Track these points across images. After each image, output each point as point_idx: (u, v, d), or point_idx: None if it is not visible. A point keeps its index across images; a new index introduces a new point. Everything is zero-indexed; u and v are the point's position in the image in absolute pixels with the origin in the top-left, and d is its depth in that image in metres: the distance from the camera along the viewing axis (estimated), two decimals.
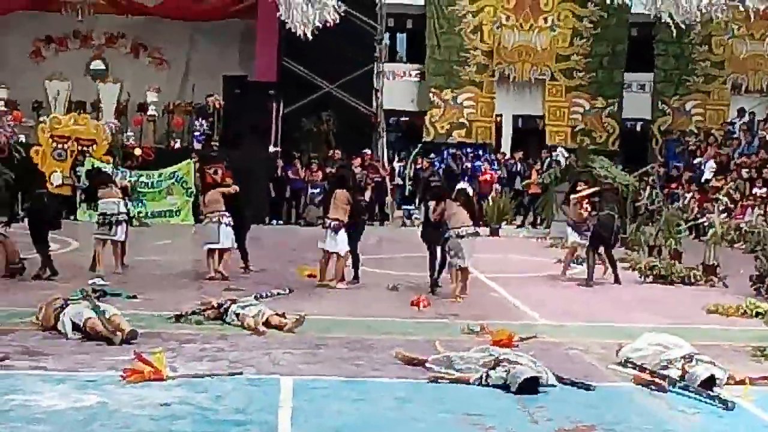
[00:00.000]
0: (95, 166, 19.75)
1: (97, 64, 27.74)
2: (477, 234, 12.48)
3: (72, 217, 21.59)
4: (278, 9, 15.27)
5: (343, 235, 12.40)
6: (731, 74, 29.29)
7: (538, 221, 23.64)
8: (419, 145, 26.64)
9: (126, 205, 13.95)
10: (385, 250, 15.50)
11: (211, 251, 13.26)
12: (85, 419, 6.30)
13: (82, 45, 27.84)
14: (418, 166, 25.66)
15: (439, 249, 12.41)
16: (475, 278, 13.40)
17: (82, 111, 25.22)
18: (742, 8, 15.60)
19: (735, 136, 26.96)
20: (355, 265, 13.01)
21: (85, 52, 27.86)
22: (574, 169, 20.18)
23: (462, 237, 12.03)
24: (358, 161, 23.55)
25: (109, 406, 6.60)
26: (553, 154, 25.90)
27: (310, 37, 15.49)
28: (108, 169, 21.02)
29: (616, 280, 13.91)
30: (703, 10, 16.40)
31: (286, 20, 15.48)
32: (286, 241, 18.98)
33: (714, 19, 17.80)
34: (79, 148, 22.91)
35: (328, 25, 15.38)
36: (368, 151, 24.96)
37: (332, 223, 12.43)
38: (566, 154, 24.56)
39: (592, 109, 29.25)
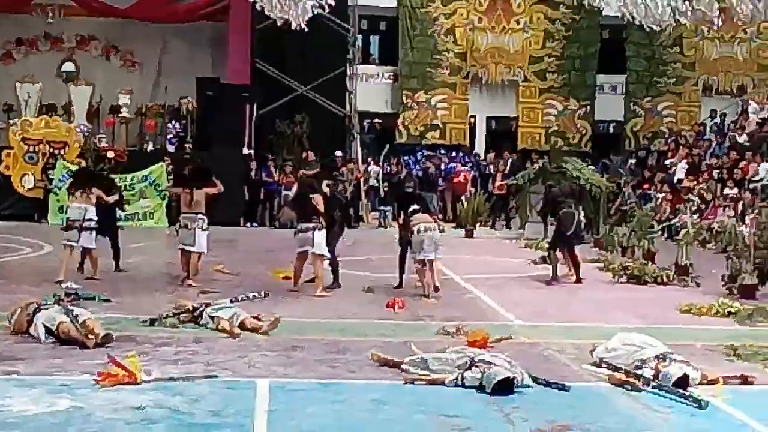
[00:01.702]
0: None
1: (69, 67, 27.51)
2: (438, 230, 12.50)
3: (43, 221, 21.44)
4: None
5: (322, 236, 12.36)
6: (702, 75, 29.59)
7: (510, 222, 23.73)
8: (387, 146, 26.64)
9: (96, 211, 13.26)
10: (360, 251, 15.50)
11: (184, 254, 13.14)
12: (59, 424, 6.25)
13: (53, 47, 27.60)
14: (387, 169, 25.74)
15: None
16: (449, 279, 13.45)
17: (53, 113, 25.04)
18: (708, 14, 15.77)
19: (706, 137, 27.21)
20: (335, 270, 13.00)
21: (57, 55, 27.63)
22: (548, 171, 20.32)
23: (421, 232, 12.16)
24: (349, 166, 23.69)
25: (83, 410, 6.55)
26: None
27: (305, 28, 15.48)
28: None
29: (577, 280, 13.95)
30: (668, 19, 16.60)
31: (269, 12, 15.47)
32: (261, 244, 18.92)
33: (681, 23, 18.00)
34: (51, 150, 22.75)
35: (315, 12, 15.42)
36: (339, 154, 24.94)
37: (315, 225, 12.31)
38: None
39: (565, 111, 29.44)
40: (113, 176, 20.97)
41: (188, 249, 13.02)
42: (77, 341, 8.52)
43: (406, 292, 12.36)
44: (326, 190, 12.90)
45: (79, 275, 12.97)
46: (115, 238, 14.10)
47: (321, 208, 12.41)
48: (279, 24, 16.61)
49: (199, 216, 13.07)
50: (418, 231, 12.22)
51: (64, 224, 13.33)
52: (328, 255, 12.53)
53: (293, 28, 16.65)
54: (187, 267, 13.03)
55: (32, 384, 7.18)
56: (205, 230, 13.11)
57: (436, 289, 12.15)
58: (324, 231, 12.36)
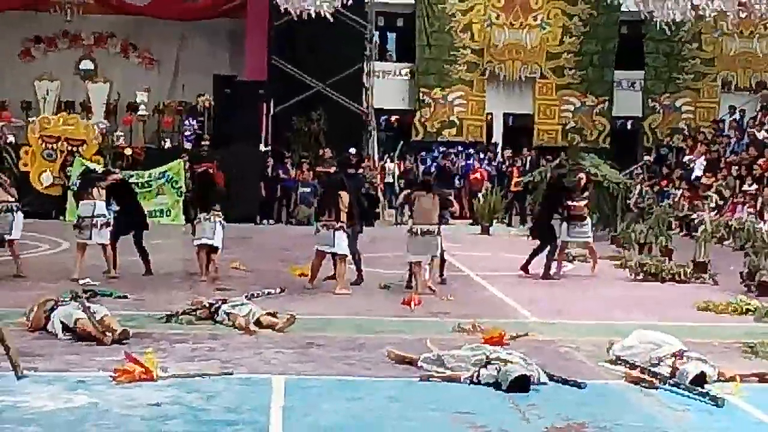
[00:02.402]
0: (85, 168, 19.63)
1: (87, 64, 27.66)
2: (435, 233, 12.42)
3: (62, 218, 21.54)
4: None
5: (344, 237, 12.34)
6: (721, 72, 29.40)
7: (526, 219, 23.67)
8: (400, 144, 26.59)
9: (107, 206, 13.33)
10: (376, 249, 15.49)
11: (201, 249, 13.18)
12: (76, 420, 6.28)
13: (72, 45, 27.76)
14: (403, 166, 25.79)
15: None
16: (466, 276, 13.45)
17: (71, 111, 25.17)
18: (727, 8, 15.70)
19: (725, 133, 27.05)
20: (358, 265, 13.00)
21: (75, 52, 27.78)
22: (565, 168, 20.22)
23: (417, 234, 12.18)
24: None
25: (100, 406, 6.58)
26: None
27: (328, 17, 15.52)
28: (98, 169, 21.05)
29: (544, 276, 13.94)
30: (686, 14, 16.52)
31: (284, 5, 15.59)
32: (277, 241, 18.96)
33: (700, 19, 17.90)
34: (69, 148, 22.87)
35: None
36: (353, 150, 24.92)
37: (336, 225, 12.28)
38: None
39: (582, 107, 29.33)
40: (131, 172, 21.23)
41: (208, 243, 13.03)
42: (94, 338, 8.57)
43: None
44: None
45: (97, 273, 13.00)
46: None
47: (346, 207, 12.40)
48: (296, 16, 16.63)
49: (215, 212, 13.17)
50: (414, 233, 12.25)
51: (79, 222, 13.20)
52: (349, 255, 12.51)
53: (313, 16, 16.63)
54: (206, 264, 13.09)
55: (50, 380, 7.22)
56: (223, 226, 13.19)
57: (443, 281, 12.21)
58: (345, 231, 12.34)
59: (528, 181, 22.50)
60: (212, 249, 13.16)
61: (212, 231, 13.03)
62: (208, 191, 13.61)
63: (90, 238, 12.98)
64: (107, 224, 13.10)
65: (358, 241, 13.12)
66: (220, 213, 13.23)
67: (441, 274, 13.00)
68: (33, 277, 12.73)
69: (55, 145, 22.86)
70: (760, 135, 24.76)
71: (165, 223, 21.83)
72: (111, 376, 7.26)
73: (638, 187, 22.16)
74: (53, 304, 9.10)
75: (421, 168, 26.64)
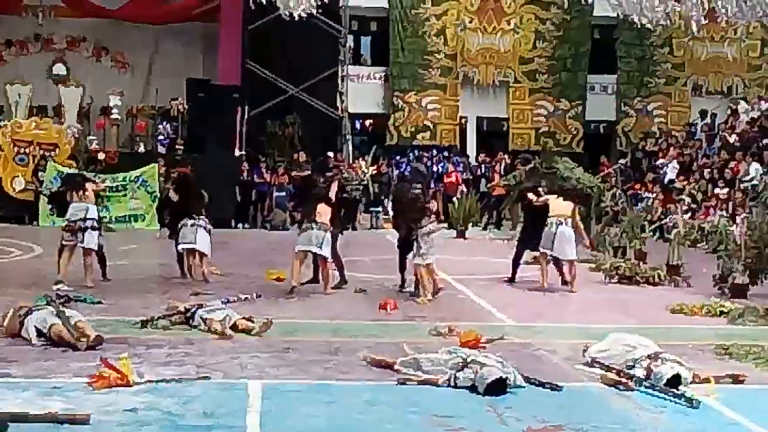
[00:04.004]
0: (69, 171, 19.54)
1: (59, 68, 27.50)
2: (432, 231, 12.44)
3: (35, 223, 21.37)
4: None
5: (329, 238, 12.34)
6: (692, 76, 29.69)
7: (501, 223, 23.76)
8: (374, 147, 26.61)
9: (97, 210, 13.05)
10: (352, 252, 15.49)
11: (187, 253, 13.19)
12: (51, 426, 6.22)
13: (44, 48, 27.61)
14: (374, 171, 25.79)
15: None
16: (441, 280, 13.44)
17: (43, 115, 25.01)
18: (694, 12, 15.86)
19: (697, 137, 27.29)
20: (341, 268, 13.00)
21: (47, 56, 27.63)
22: (539, 171, 20.30)
23: (427, 234, 12.13)
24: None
25: (75, 412, 6.53)
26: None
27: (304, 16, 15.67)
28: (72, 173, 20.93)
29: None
30: (660, 16, 16.69)
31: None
32: (253, 245, 18.91)
33: (671, 23, 18.07)
34: (41, 152, 22.67)
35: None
36: (331, 154, 24.93)
37: (321, 226, 12.26)
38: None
39: (555, 111, 29.50)
40: (104, 175, 21.08)
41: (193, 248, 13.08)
42: (69, 343, 8.50)
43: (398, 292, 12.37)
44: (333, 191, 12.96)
45: (71, 278, 12.90)
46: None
47: (329, 211, 12.40)
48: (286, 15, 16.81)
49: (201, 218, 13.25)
50: (423, 233, 12.16)
51: (67, 224, 12.68)
52: (330, 257, 12.50)
53: (296, 18, 16.78)
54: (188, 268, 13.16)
55: (24, 386, 7.16)
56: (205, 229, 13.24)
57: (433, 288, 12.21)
58: (329, 234, 12.34)
59: (504, 185, 22.56)
60: (193, 252, 13.15)
61: (193, 235, 13.01)
62: (188, 195, 13.53)
63: (83, 242, 12.51)
64: (97, 229, 12.76)
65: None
66: (203, 217, 13.24)
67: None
68: (6, 283, 12.59)
69: (27, 150, 22.65)
70: (731, 139, 25.01)
71: (139, 227, 21.74)
72: (86, 382, 7.21)
73: (612, 190, 22.28)
74: (27, 310, 9.02)
75: (396, 172, 26.67)
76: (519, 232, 14.69)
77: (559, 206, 13.37)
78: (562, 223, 13.09)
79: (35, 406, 6.59)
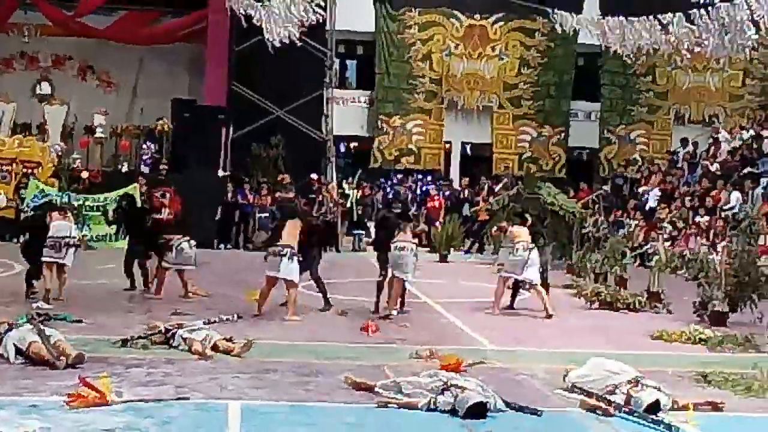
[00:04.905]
0: (50, 199, 19.62)
1: (44, 86, 27.44)
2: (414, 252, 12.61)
3: (15, 240, 21.20)
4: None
5: (296, 263, 12.31)
6: (674, 105, 29.95)
7: (483, 248, 23.78)
8: (359, 171, 26.68)
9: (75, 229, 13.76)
10: (334, 275, 15.47)
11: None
12: None
13: (29, 66, 27.57)
14: (361, 193, 25.85)
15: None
16: (423, 303, 13.47)
17: (27, 133, 24.92)
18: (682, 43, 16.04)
19: (678, 165, 27.48)
20: (324, 292, 12.99)
21: (32, 74, 27.58)
22: (522, 196, 20.41)
23: (401, 249, 12.32)
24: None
25: (53, 431, 6.48)
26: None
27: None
28: (53, 192, 20.91)
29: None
30: (644, 46, 16.86)
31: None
32: (235, 266, 18.85)
33: (655, 52, 18.27)
34: (24, 170, 22.57)
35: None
36: (314, 176, 24.96)
37: (287, 251, 12.25)
38: None
39: (539, 137, 29.67)
40: (86, 195, 21.14)
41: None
42: (48, 362, 8.44)
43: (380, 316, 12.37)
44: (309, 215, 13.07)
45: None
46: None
47: (297, 233, 12.39)
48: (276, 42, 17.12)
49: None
50: (398, 248, 12.41)
51: (52, 242, 12.97)
52: (297, 281, 12.43)
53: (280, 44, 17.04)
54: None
55: (1, 405, 7.10)
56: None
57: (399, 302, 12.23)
58: (295, 258, 12.29)
59: (487, 209, 22.66)
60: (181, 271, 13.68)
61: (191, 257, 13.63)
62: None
63: (64, 258, 12.90)
64: (76, 246, 13.28)
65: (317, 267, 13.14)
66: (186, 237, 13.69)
67: (402, 302, 12.99)
68: None
69: (9, 167, 22.56)
70: (713, 167, 25.19)
71: (120, 247, 21.59)
72: (64, 401, 7.16)
73: (594, 216, 22.39)
74: (7, 327, 8.97)
75: (380, 195, 26.71)
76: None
77: (523, 232, 13.73)
78: (528, 250, 13.35)
79: (12, 425, 6.55)
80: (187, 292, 13.65)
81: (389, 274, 12.59)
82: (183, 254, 13.67)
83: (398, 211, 14.53)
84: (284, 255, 12.15)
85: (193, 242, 13.85)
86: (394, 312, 12.37)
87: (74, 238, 13.26)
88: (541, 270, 13.89)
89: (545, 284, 14.15)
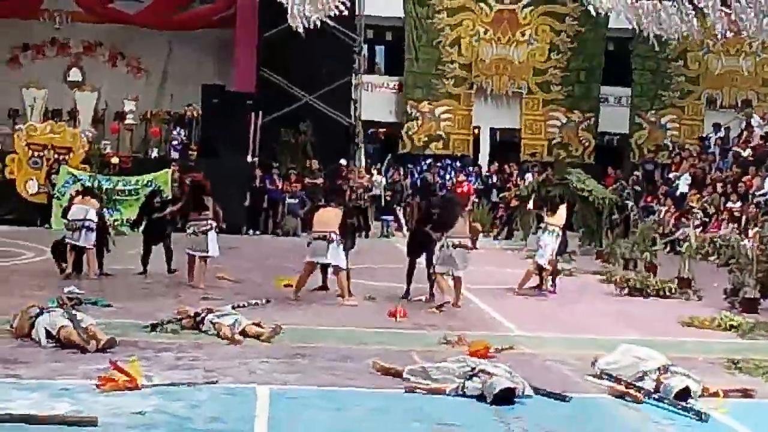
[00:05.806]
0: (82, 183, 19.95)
1: (75, 72, 27.63)
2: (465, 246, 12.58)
3: (47, 226, 21.44)
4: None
5: (341, 248, 12.32)
6: (706, 89, 29.62)
7: (513, 234, 23.69)
8: (388, 156, 26.68)
9: (99, 213, 14.13)
10: (362, 260, 15.50)
11: (194, 259, 13.31)
12: (59, 428, 6.24)
13: (60, 53, 27.78)
14: (390, 178, 25.84)
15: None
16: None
17: (58, 119, 25.11)
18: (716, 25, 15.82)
19: (710, 151, 27.21)
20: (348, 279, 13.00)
21: (63, 60, 27.79)
22: (551, 182, 20.31)
23: (456, 247, 12.26)
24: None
25: (83, 414, 6.55)
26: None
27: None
28: (84, 176, 21.11)
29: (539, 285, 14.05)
30: (676, 29, 16.65)
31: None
32: (264, 251, 18.93)
33: (687, 36, 18.01)
34: (55, 156, 22.77)
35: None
36: (344, 162, 24.99)
37: (334, 237, 12.16)
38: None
39: (568, 123, 29.47)
40: (118, 177, 21.41)
41: (201, 254, 13.26)
42: (78, 346, 8.52)
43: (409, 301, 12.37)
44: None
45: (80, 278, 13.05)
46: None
47: (338, 221, 12.38)
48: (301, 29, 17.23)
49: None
50: (453, 245, 12.29)
51: (68, 224, 13.86)
52: (345, 266, 12.43)
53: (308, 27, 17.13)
54: (198, 272, 13.28)
55: (33, 388, 7.18)
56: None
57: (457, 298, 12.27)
58: (341, 244, 12.28)
59: (516, 195, 22.55)
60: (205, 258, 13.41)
61: (205, 242, 13.24)
62: (201, 200, 13.54)
63: (78, 240, 13.56)
64: (92, 229, 13.68)
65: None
66: (212, 221, 13.38)
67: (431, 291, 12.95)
68: (17, 285, 12.66)
69: (41, 153, 22.74)
70: (745, 153, 24.93)
71: None
72: (95, 384, 7.23)
73: (626, 203, 22.24)
74: (38, 311, 9.06)
75: (408, 181, 26.70)
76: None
77: (553, 217, 13.92)
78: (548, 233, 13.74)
79: (43, 408, 6.62)
80: (192, 279, 13.31)
81: (437, 269, 12.41)
82: (192, 240, 13.32)
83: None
84: (332, 241, 12.14)
85: (206, 227, 13.31)
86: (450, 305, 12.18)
87: (92, 221, 13.67)
88: (558, 252, 13.97)
89: (555, 267, 14.19)
